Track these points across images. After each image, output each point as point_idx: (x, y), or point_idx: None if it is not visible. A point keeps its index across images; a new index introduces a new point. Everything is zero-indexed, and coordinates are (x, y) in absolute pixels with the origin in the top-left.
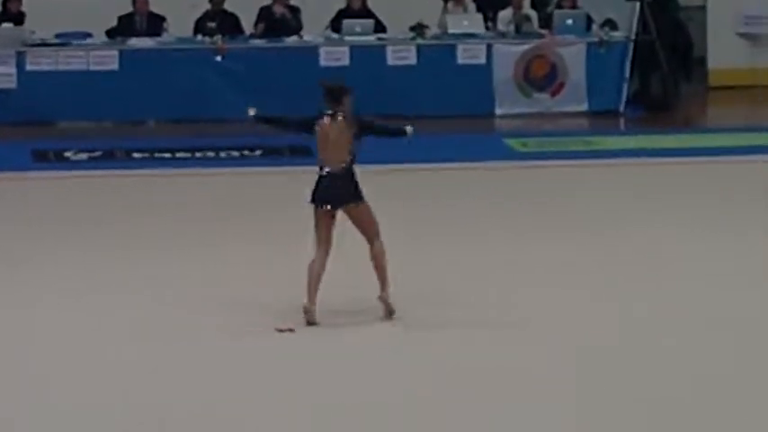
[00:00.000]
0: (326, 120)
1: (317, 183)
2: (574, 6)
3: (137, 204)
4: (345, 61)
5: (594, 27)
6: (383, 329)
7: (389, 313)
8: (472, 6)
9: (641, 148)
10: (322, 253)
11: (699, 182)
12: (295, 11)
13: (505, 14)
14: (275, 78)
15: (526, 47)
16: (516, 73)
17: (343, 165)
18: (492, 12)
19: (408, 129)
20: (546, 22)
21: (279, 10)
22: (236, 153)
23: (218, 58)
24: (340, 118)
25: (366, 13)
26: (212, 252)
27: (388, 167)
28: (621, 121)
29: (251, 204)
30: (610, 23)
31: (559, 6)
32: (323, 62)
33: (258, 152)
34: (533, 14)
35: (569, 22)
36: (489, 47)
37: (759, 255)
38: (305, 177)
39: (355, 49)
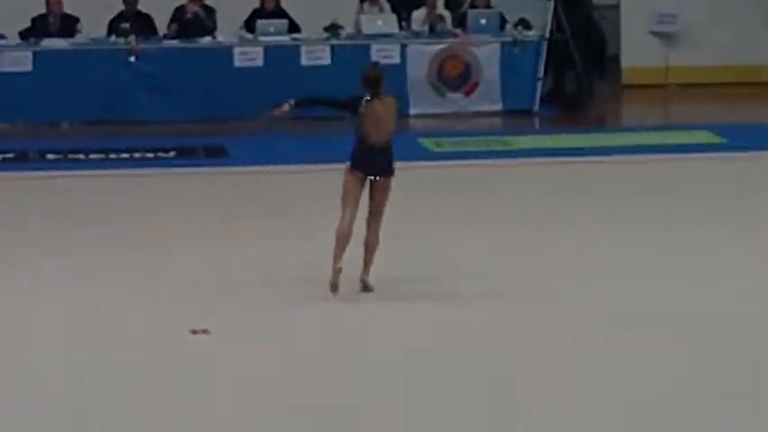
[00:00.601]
0: (375, 101)
1: (363, 154)
2: (487, 6)
3: (51, 206)
4: (259, 62)
5: (508, 26)
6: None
7: (368, 290)
8: (387, 6)
9: (555, 148)
10: (352, 213)
11: (613, 180)
12: (209, 11)
13: (419, 14)
14: (189, 79)
15: (440, 47)
16: (430, 73)
17: (388, 140)
18: (406, 12)
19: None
20: (460, 21)
21: (193, 10)
22: (150, 154)
23: (132, 59)
24: (387, 99)
25: (280, 13)
26: (128, 256)
27: (303, 167)
28: (536, 120)
29: (165, 205)
30: (523, 23)
31: (473, 6)
32: (237, 62)
33: (172, 153)
34: (447, 14)
35: (483, 21)
36: (403, 47)
37: (679, 249)
38: (218, 179)
39: (269, 50)
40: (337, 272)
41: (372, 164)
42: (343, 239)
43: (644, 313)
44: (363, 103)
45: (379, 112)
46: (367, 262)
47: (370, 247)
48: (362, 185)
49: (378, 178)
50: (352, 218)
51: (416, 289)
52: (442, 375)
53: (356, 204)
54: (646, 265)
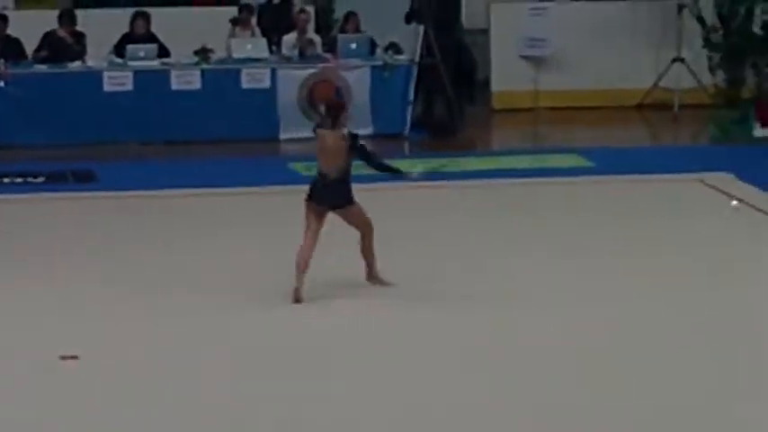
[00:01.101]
0: (327, 131)
1: (314, 184)
2: (357, 30)
3: None
4: (129, 86)
5: (378, 50)
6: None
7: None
8: (258, 31)
9: (427, 171)
10: (310, 242)
11: (483, 204)
12: (79, 36)
13: (289, 39)
14: (59, 103)
15: (310, 71)
16: (301, 97)
17: (336, 172)
18: (276, 36)
19: (412, 173)
20: (330, 46)
21: (62, 35)
22: (19, 179)
23: (1, 84)
24: (338, 131)
25: (150, 37)
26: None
27: (176, 192)
28: (406, 144)
29: (33, 231)
30: (394, 47)
31: (343, 30)
32: (107, 87)
33: (41, 179)
34: (317, 39)
35: (353, 45)
36: (273, 71)
37: (555, 272)
38: (86, 203)
39: (139, 74)
40: (296, 290)
41: (320, 194)
42: (301, 266)
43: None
44: (317, 131)
45: (328, 142)
46: (368, 265)
47: (363, 254)
48: (317, 214)
49: (329, 208)
50: (309, 246)
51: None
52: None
53: (313, 232)
54: (505, 290)
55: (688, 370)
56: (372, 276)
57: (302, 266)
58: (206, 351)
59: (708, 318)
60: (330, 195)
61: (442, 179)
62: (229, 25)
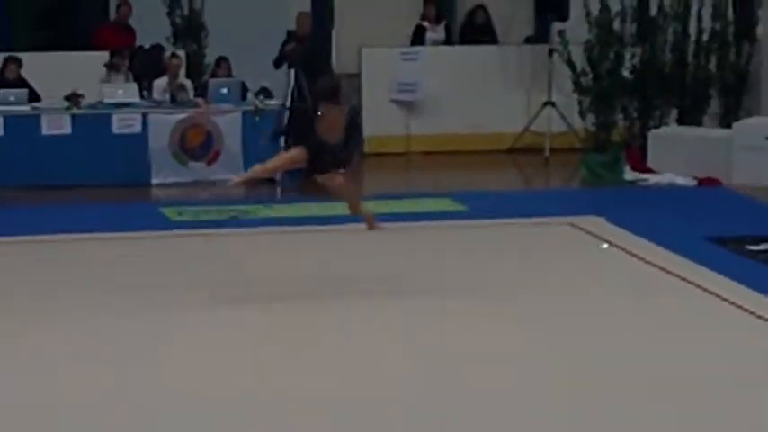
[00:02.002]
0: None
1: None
2: (229, 75)
3: None
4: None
5: (249, 95)
6: None
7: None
8: (130, 75)
9: (297, 216)
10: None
11: (354, 248)
12: None
13: (161, 83)
14: None
15: (182, 116)
16: (172, 142)
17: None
18: (147, 81)
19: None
20: (201, 90)
21: None
22: None
23: None
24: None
25: (20, 82)
26: None
27: (47, 237)
28: (278, 189)
29: None
30: (265, 92)
31: (214, 75)
32: None
33: None
34: (189, 83)
35: (224, 90)
36: (145, 116)
37: (449, 312)
38: None
39: (9, 119)
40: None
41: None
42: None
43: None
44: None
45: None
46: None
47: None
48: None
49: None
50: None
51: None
52: None
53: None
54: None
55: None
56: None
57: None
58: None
59: (563, 358)
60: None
61: (312, 224)
62: (103, 70)
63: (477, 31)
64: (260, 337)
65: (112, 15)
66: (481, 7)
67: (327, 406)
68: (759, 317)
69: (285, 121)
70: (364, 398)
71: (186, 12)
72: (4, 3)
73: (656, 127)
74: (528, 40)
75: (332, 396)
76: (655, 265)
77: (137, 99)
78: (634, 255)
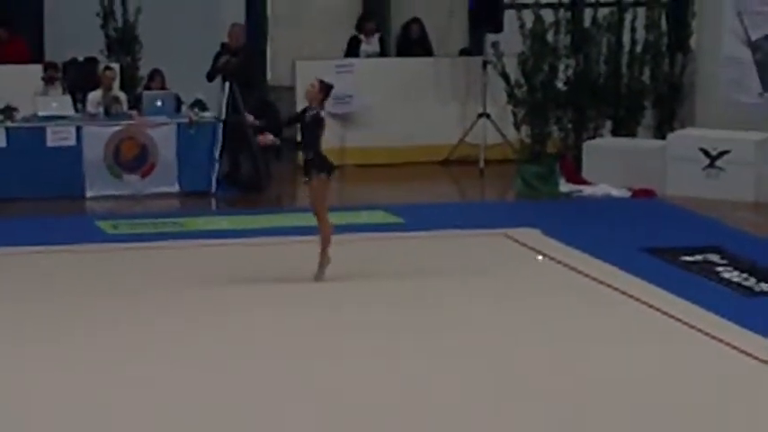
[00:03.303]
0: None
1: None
2: (163, 87)
3: None
4: None
5: (184, 107)
6: None
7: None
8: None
9: (233, 229)
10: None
11: (289, 260)
12: None
13: (95, 96)
14: None
15: (116, 128)
16: (107, 155)
17: None
18: (82, 93)
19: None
20: (135, 103)
21: None
22: None
23: None
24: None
25: None
26: None
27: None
28: (213, 201)
29: None
30: (199, 104)
31: (148, 87)
32: None
33: None
34: (123, 96)
35: (159, 103)
36: (79, 129)
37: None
38: None
39: None
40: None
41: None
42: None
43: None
44: (322, 113)
45: None
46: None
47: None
48: None
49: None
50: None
51: None
52: None
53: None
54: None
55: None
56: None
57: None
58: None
59: (489, 367)
60: None
61: (249, 236)
62: (40, 83)
63: (413, 43)
64: (182, 350)
65: (46, 28)
66: (416, 20)
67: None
68: (692, 327)
69: (220, 133)
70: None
71: (120, 24)
72: None
73: (591, 138)
74: (462, 53)
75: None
76: (590, 277)
77: (71, 112)
78: (569, 266)
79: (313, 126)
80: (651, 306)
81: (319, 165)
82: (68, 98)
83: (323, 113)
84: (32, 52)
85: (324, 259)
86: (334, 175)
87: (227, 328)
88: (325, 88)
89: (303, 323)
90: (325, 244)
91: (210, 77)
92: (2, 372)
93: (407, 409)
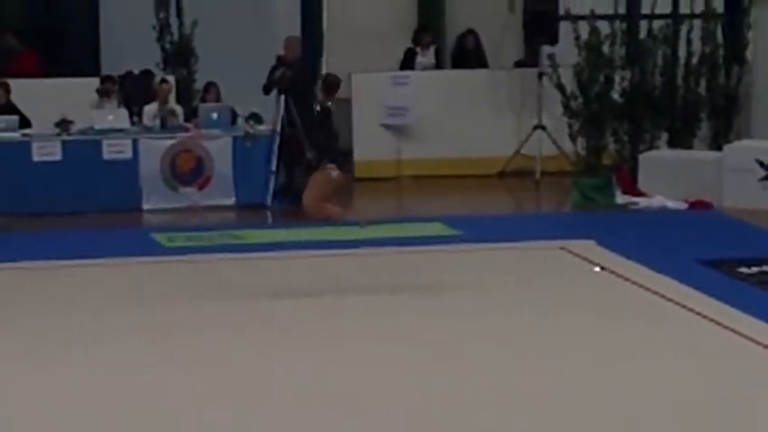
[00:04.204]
0: None
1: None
2: (218, 100)
3: None
4: None
5: (240, 120)
6: None
7: None
8: (120, 101)
9: (289, 241)
10: None
11: (347, 273)
12: None
13: (151, 109)
14: None
15: (172, 141)
16: (163, 167)
17: None
18: (138, 106)
19: None
20: (191, 116)
21: None
22: None
23: None
24: None
25: (10, 108)
26: None
27: (39, 264)
28: (269, 213)
29: None
30: (255, 117)
31: (204, 100)
32: None
33: None
34: (179, 108)
35: (214, 115)
36: (135, 142)
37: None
38: None
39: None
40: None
41: None
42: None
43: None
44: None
45: None
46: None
47: None
48: None
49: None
50: None
51: None
52: None
53: None
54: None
55: None
56: None
57: None
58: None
59: (560, 382)
60: None
61: (305, 248)
62: (95, 96)
63: (468, 55)
64: (252, 360)
65: (103, 41)
66: (471, 32)
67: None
68: (751, 340)
69: (276, 146)
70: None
71: (176, 37)
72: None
73: (647, 150)
74: (518, 64)
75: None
76: (647, 289)
77: (127, 125)
78: (626, 278)
79: (322, 117)
80: (708, 318)
81: (330, 154)
82: (125, 111)
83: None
84: (89, 65)
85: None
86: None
87: (283, 341)
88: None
89: (360, 334)
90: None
91: (266, 90)
92: (62, 381)
93: (470, 414)
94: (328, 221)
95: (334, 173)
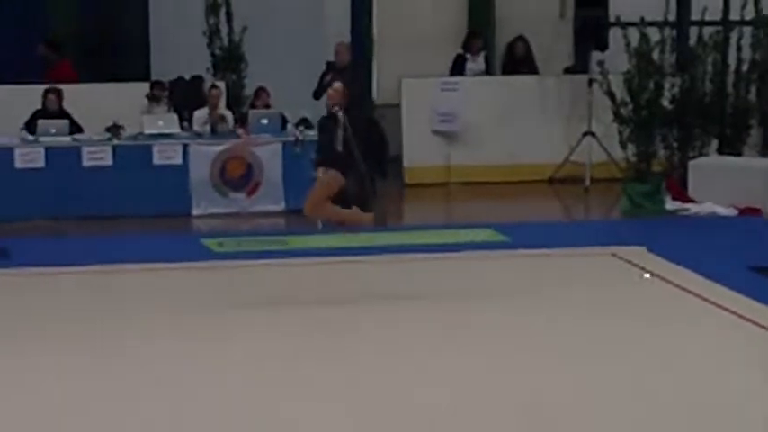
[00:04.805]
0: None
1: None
2: (268, 106)
3: None
4: (41, 163)
5: (290, 126)
6: None
7: None
8: (170, 106)
9: (338, 247)
10: None
11: (397, 279)
12: None
13: (201, 114)
14: None
15: (222, 147)
16: (213, 173)
17: None
18: (188, 112)
19: None
20: (241, 121)
21: None
22: None
23: None
24: None
25: (62, 113)
26: None
27: (89, 268)
28: (319, 220)
29: None
30: (305, 122)
31: (253, 106)
32: (18, 164)
33: None
34: (229, 114)
35: (264, 121)
36: (185, 147)
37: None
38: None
39: (50, 151)
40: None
41: None
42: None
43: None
44: (342, 114)
45: None
46: None
47: None
48: None
49: None
50: None
51: None
52: None
53: None
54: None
55: None
56: None
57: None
58: None
59: (610, 390)
60: None
61: (354, 254)
62: (144, 101)
63: (518, 61)
64: (311, 365)
65: (153, 46)
66: (521, 38)
67: None
68: None
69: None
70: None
71: (226, 43)
72: (48, 33)
73: (697, 157)
74: (567, 71)
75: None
76: (698, 295)
77: (177, 130)
78: (677, 285)
79: (329, 124)
80: (759, 325)
81: (335, 161)
82: (174, 116)
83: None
84: (140, 70)
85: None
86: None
87: (335, 347)
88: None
89: (413, 342)
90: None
91: (317, 96)
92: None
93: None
94: (341, 224)
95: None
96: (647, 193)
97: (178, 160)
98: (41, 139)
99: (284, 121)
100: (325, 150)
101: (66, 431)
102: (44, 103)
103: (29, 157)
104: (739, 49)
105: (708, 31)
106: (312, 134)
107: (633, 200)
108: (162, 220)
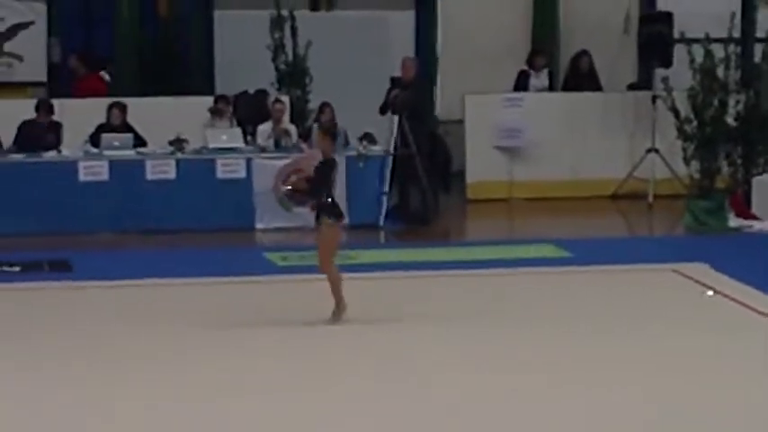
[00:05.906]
0: None
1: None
2: (332, 120)
3: None
4: (105, 176)
5: (353, 141)
6: None
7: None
8: (234, 120)
9: (401, 262)
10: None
11: (458, 294)
12: (56, 126)
13: (265, 128)
14: (33, 193)
15: (285, 161)
16: (276, 187)
17: None
18: (251, 126)
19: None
20: (305, 135)
21: (38, 124)
22: None
23: None
24: None
25: (126, 127)
26: None
27: (152, 281)
28: (381, 234)
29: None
30: (368, 137)
31: (318, 120)
32: (82, 177)
33: (17, 268)
34: (292, 128)
35: None
36: (249, 161)
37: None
38: (62, 293)
39: (114, 164)
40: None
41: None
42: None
43: None
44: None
45: None
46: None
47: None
48: None
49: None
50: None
51: None
52: None
53: None
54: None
55: None
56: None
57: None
58: None
59: (676, 406)
60: None
61: (417, 269)
62: (207, 115)
63: (581, 77)
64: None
65: (218, 60)
66: (585, 53)
67: None
68: None
69: (389, 167)
70: None
71: (290, 57)
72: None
73: (760, 173)
74: (631, 87)
75: None
76: (761, 313)
77: (241, 144)
78: (740, 302)
79: (325, 169)
80: None
81: (329, 210)
82: (238, 130)
83: (335, 156)
84: (204, 84)
85: (339, 304)
86: (343, 223)
87: (397, 362)
88: (330, 134)
89: (473, 358)
90: (335, 288)
91: (383, 111)
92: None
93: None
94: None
95: (331, 220)
96: (711, 209)
97: (242, 174)
98: (105, 152)
99: (347, 136)
100: (329, 197)
101: None
102: (108, 117)
103: (93, 171)
104: None
105: None
106: (376, 149)
107: (696, 216)
108: (225, 233)
